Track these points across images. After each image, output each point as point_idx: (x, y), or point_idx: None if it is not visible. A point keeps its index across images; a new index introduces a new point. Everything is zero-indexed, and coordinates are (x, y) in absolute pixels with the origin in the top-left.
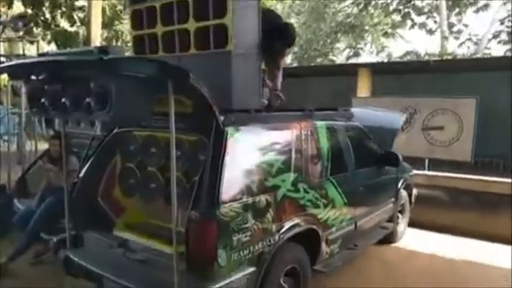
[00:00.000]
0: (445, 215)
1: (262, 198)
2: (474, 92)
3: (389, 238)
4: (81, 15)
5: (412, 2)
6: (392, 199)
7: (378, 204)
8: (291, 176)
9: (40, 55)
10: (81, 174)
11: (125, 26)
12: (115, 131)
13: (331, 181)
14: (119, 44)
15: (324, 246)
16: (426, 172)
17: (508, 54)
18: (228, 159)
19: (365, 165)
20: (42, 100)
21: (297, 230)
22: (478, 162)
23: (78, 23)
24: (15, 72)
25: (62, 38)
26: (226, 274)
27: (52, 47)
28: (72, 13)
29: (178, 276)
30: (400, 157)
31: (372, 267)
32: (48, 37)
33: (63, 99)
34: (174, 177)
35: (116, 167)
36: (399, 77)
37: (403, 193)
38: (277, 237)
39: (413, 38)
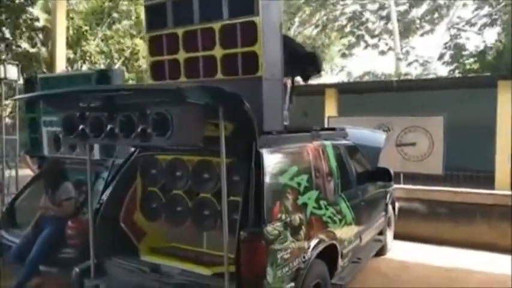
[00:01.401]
0: (423, 225)
1: (296, 216)
2: (435, 109)
3: (380, 250)
4: (41, 36)
5: (365, 25)
6: (383, 213)
7: (374, 218)
8: (314, 193)
9: (27, 80)
10: (104, 200)
11: (91, 46)
12: (134, 155)
13: (342, 197)
14: (87, 65)
15: (340, 260)
16: (403, 186)
17: (451, 74)
18: (266, 180)
19: (362, 181)
20: (81, 127)
21: (322, 246)
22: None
23: (39, 44)
24: (57, 101)
25: (24, 59)
26: None
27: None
28: (32, 34)
29: None
30: (392, 173)
31: (373, 280)
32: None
33: (109, 127)
34: (225, 201)
35: (137, 191)
36: (363, 96)
37: (389, 206)
38: (309, 254)
39: (368, 58)
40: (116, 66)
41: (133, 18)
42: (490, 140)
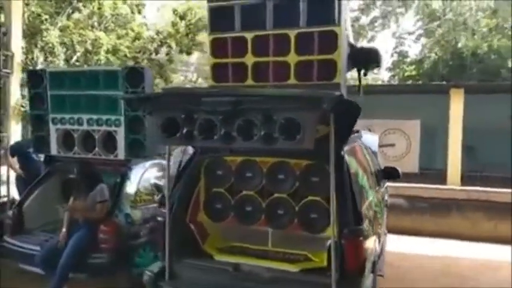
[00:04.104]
0: (405, 218)
1: (370, 214)
2: (395, 112)
3: None
4: None
5: None
6: (385, 207)
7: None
8: (372, 192)
9: (32, 73)
10: (174, 201)
11: (52, 37)
12: (197, 156)
13: (377, 194)
14: (45, 56)
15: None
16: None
17: (392, 79)
18: (353, 181)
19: (378, 178)
20: (186, 129)
21: (381, 239)
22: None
23: None
24: (161, 101)
25: None
26: (365, 282)
27: None
28: None
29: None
30: (400, 171)
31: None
32: None
33: (223, 130)
34: (334, 201)
35: (200, 192)
36: None
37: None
38: (378, 247)
39: None
40: (74, 59)
41: (94, 8)
42: (440, 140)
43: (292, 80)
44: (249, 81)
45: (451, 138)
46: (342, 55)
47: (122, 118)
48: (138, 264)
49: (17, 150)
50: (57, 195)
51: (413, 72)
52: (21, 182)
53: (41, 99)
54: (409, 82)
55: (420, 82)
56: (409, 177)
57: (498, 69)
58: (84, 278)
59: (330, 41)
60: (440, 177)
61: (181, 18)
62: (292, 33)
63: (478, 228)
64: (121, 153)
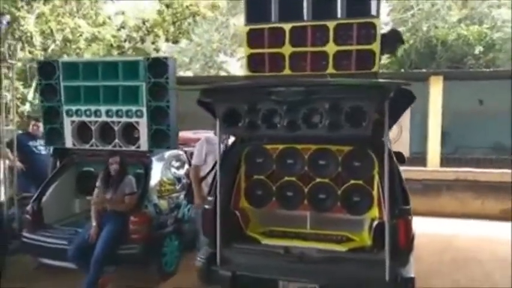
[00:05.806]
0: None
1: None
2: None
3: None
4: None
5: None
6: None
7: None
8: None
9: (44, 64)
10: (220, 189)
11: (30, 26)
12: (236, 145)
13: None
14: (22, 46)
15: None
16: None
17: None
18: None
19: None
20: (248, 119)
21: None
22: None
23: None
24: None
25: None
26: (411, 258)
27: None
28: None
29: (388, 266)
30: (405, 155)
31: None
32: None
33: (287, 119)
34: (387, 185)
35: (241, 179)
36: None
37: None
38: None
39: None
40: (51, 48)
41: None
42: (418, 125)
43: (330, 70)
44: (286, 71)
45: (431, 124)
46: (379, 45)
47: (144, 109)
48: (165, 253)
49: (16, 143)
50: (74, 189)
51: (387, 61)
52: (21, 177)
53: (54, 90)
54: (382, 70)
55: (392, 70)
56: None
57: (465, 57)
58: (115, 269)
59: (369, 32)
60: (420, 160)
61: (167, 6)
62: (331, 24)
63: (466, 206)
64: (144, 145)
